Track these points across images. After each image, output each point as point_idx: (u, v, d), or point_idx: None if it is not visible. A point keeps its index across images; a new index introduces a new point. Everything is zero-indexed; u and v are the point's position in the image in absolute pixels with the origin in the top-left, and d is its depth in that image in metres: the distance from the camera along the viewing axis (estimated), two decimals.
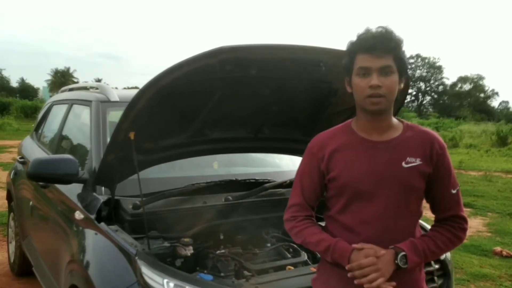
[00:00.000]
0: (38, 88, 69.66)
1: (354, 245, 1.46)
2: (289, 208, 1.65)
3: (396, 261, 1.44)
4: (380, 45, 1.43)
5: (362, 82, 1.46)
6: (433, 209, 1.62)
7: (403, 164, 1.49)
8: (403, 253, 1.45)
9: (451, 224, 1.57)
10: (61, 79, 57.55)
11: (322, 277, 1.63)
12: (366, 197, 1.50)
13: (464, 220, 1.58)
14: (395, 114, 2.35)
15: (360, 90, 1.47)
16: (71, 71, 64.24)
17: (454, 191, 1.56)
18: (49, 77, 63.05)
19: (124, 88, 5.96)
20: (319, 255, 1.72)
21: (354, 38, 1.49)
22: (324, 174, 1.57)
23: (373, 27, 1.48)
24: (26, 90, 62.90)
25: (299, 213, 1.61)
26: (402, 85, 1.51)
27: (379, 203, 1.48)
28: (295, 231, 1.60)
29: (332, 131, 1.63)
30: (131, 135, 1.93)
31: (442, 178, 1.54)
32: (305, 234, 1.57)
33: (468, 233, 5.61)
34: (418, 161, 1.50)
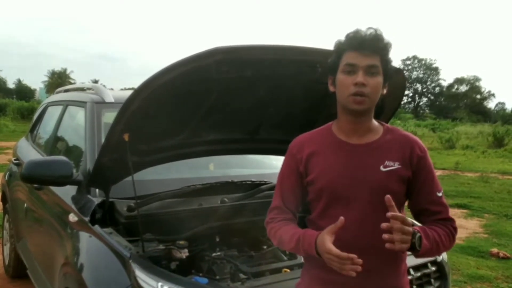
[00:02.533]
0: (35, 89, 69.66)
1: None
2: (270, 212, 1.63)
3: (413, 240, 1.34)
4: (369, 43, 1.42)
5: (347, 79, 1.44)
6: (419, 215, 1.57)
7: (381, 168, 1.47)
8: (419, 234, 1.37)
9: (444, 224, 1.52)
10: (58, 80, 57.52)
11: (305, 281, 1.61)
12: (343, 201, 1.48)
13: (454, 221, 1.55)
14: (390, 118, 2.36)
15: (344, 87, 1.45)
16: (68, 72, 64.30)
17: (440, 194, 1.54)
18: (46, 79, 63.09)
19: (121, 89, 5.94)
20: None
21: (342, 38, 1.48)
22: (303, 176, 1.55)
23: (364, 28, 1.46)
24: (22, 91, 62.81)
25: (279, 216, 1.59)
26: (385, 90, 1.50)
27: (357, 208, 1.46)
28: (272, 232, 1.57)
29: (312, 133, 1.61)
30: (126, 137, 1.91)
31: (425, 181, 1.52)
32: (281, 233, 1.53)
33: (465, 234, 5.62)
34: (396, 165, 1.48)
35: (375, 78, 1.44)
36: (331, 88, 1.53)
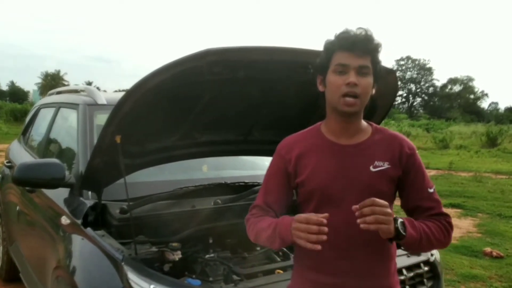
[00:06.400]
0: (28, 91, 69.32)
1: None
2: (250, 210, 1.62)
3: (396, 225, 1.33)
4: (361, 44, 1.42)
5: (339, 79, 1.43)
6: (412, 213, 1.54)
7: (371, 168, 1.47)
8: (401, 220, 1.36)
9: (437, 219, 1.49)
10: (52, 82, 57.38)
11: (296, 283, 1.59)
12: (334, 202, 1.47)
13: (448, 216, 1.53)
14: (382, 119, 2.37)
15: (335, 88, 1.44)
16: (61, 74, 64.20)
17: (431, 190, 1.53)
18: (40, 80, 62.86)
19: (115, 91, 5.92)
20: None
21: (332, 37, 1.47)
22: (291, 177, 1.54)
23: (354, 28, 1.46)
24: (16, 94, 62.61)
25: (259, 213, 1.58)
26: (373, 91, 1.49)
27: (347, 209, 1.42)
28: (251, 227, 1.55)
29: (301, 134, 1.61)
30: (118, 139, 1.90)
31: (415, 179, 1.51)
32: (258, 226, 1.51)
33: (459, 234, 5.64)
34: (386, 165, 1.48)
35: (366, 78, 1.43)
36: (320, 88, 1.53)
